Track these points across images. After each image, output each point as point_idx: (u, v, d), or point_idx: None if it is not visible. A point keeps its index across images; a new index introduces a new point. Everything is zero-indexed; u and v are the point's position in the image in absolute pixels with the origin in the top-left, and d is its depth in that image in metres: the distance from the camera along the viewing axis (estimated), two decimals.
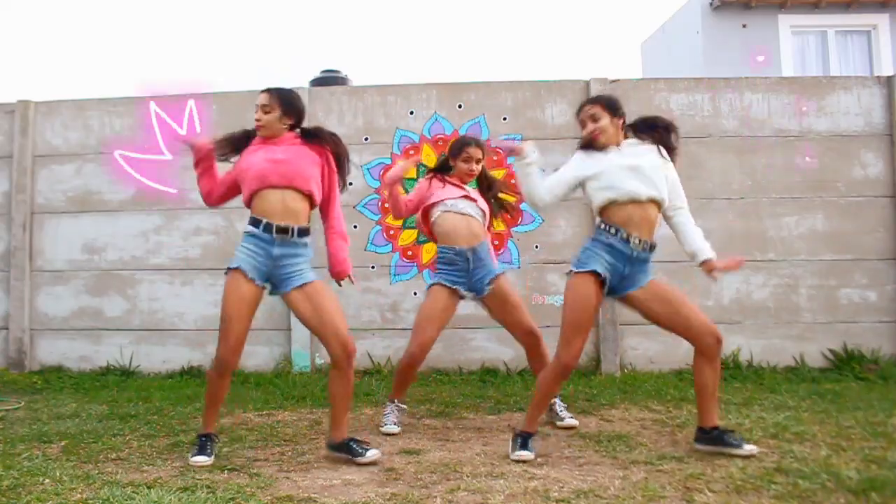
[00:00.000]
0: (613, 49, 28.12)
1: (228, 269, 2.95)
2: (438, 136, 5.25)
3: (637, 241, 2.96)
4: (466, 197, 3.59)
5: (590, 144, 3.11)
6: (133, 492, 2.45)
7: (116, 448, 3.14)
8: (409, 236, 5.21)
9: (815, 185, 5.14)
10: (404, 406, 3.63)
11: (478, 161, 3.61)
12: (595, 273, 2.94)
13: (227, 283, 2.94)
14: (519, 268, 5.14)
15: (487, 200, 3.69)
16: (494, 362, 5.03)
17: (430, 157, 5.21)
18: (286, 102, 3.07)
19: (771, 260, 5.11)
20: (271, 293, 3.04)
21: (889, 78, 5.23)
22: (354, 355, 2.96)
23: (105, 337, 5.31)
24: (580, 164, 3.12)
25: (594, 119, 3.09)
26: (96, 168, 5.40)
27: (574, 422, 3.52)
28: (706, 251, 3.01)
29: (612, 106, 3.12)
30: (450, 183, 3.62)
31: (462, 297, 3.53)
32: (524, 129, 5.22)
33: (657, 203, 3.02)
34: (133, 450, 3.12)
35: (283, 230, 2.94)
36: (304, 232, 3.01)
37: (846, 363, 4.92)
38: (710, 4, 9.21)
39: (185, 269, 5.29)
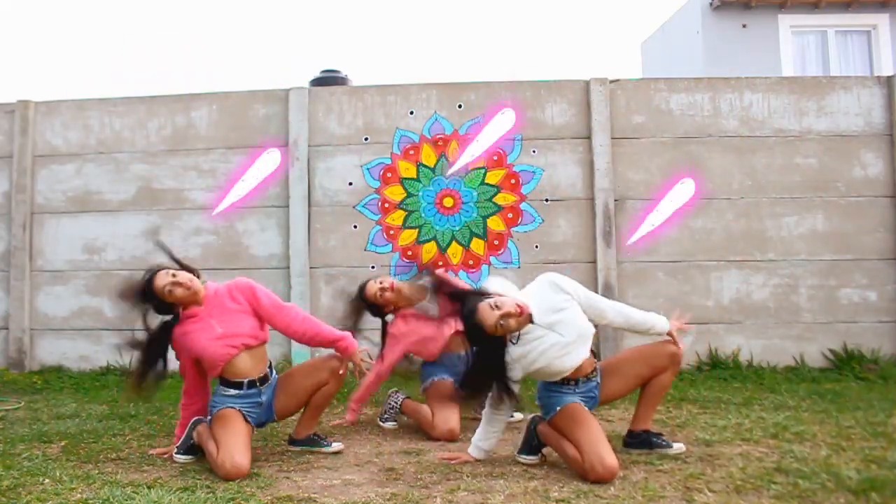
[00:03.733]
0: (613, 49, 28.14)
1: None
2: (438, 136, 5.24)
3: (579, 380, 2.87)
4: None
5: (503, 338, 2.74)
6: (133, 492, 2.45)
7: (116, 448, 3.15)
8: (409, 236, 5.21)
9: (815, 185, 5.14)
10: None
11: (382, 290, 3.60)
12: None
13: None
14: (519, 268, 5.13)
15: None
16: None
17: (429, 157, 5.22)
18: (182, 265, 3.11)
19: (771, 260, 5.11)
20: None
21: (889, 78, 5.23)
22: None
23: (105, 337, 5.31)
24: (515, 357, 2.77)
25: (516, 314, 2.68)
26: (96, 168, 5.41)
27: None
28: (661, 322, 2.93)
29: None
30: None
31: None
32: (524, 129, 5.22)
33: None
34: (133, 450, 3.12)
35: (253, 382, 2.99)
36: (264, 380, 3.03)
37: (846, 363, 4.92)
38: (710, 4, 9.22)
39: None
